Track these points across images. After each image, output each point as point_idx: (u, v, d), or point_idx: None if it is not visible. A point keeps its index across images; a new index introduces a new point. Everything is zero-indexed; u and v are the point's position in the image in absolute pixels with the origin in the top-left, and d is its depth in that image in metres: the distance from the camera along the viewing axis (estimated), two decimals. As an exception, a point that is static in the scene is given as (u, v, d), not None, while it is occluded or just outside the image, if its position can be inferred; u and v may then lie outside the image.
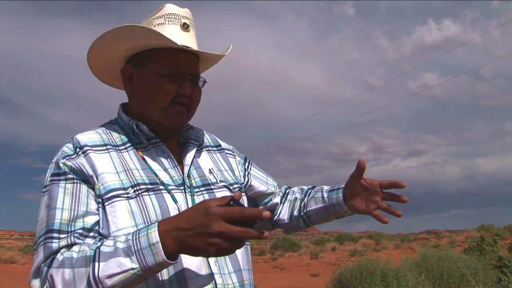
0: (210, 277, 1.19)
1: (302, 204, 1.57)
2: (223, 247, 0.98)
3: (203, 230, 0.98)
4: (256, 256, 25.64)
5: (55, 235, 1.12)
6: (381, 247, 25.51)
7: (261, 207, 1.59)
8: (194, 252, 1.02)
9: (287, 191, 1.68)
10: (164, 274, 1.14)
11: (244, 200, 1.46)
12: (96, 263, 1.02)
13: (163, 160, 1.31)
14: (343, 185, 1.46)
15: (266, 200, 1.60)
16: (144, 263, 1.00)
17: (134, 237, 1.03)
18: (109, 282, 1.00)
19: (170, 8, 1.34)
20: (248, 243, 1.41)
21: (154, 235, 1.01)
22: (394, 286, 6.14)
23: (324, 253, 25.44)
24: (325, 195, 1.51)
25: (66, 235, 1.12)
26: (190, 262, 1.16)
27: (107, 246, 1.04)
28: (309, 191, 1.60)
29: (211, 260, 1.21)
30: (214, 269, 1.21)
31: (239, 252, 1.29)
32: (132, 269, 1.00)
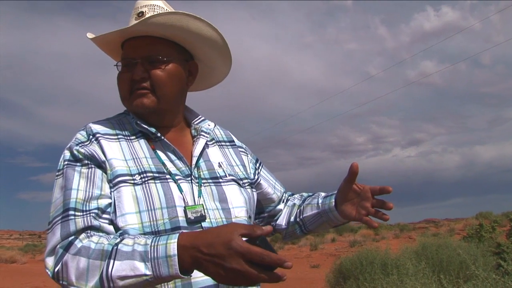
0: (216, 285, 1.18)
1: (299, 211, 1.57)
2: (232, 281, 0.98)
3: (220, 261, 0.96)
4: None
5: (71, 212, 1.15)
6: (380, 237, 25.56)
7: (266, 214, 1.62)
8: (205, 273, 1.01)
9: (288, 197, 1.69)
10: None
11: (254, 197, 1.47)
12: (112, 261, 1.03)
13: (169, 152, 1.33)
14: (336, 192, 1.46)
15: (270, 208, 1.62)
16: (158, 272, 1.00)
17: (153, 243, 1.03)
18: (120, 282, 1.02)
19: (136, 3, 1.40)
20: None
21: (172, 248, 1.00)
22: (394, 274, 6.16)
23: (324, 244, 25.53)
24: (320, 201, 1.51)
25: (82, 214, 1.15)
26: None
27: (125, 245, 1.05)
28: (307, 198, 1.60)
29: None
30: None
31: None
32: (145, 275, 1.01)
